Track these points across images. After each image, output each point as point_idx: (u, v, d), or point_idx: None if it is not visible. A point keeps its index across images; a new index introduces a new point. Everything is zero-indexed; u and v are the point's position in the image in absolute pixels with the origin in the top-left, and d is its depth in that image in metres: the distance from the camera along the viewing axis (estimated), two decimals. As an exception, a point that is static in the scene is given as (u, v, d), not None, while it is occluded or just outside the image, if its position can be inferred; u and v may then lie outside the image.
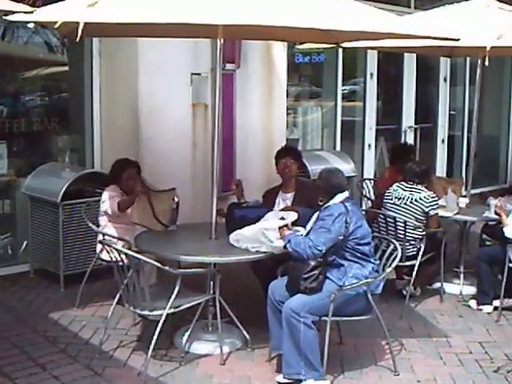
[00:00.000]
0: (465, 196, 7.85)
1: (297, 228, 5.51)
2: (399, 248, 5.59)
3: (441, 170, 12.55)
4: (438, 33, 5.03)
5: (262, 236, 5.38)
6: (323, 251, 5.17)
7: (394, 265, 5.44)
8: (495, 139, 14.54)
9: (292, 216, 5.57)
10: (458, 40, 5.21)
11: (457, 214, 7.44)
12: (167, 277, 5.49)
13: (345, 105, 10.75)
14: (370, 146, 11.04)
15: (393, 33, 4.89)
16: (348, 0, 5.05)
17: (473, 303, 7.14)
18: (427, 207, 7.00)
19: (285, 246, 5.26)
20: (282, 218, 5.55)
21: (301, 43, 7.85)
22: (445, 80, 12.46)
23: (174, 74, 7.78)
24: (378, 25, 4.80)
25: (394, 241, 5.76)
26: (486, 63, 6.34)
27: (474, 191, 8.24)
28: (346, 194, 5.46)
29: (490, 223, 7.64)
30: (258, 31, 5.71)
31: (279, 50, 8.53)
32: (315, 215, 5.48)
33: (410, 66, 11.58)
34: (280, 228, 5.41)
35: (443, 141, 12.62)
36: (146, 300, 5.24)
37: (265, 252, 5.43)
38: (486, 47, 6.19)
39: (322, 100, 10.90)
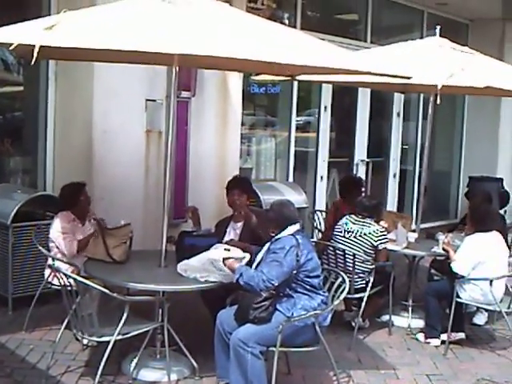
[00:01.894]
0: (414, 231, 7.95)
1: (242, 255, 5.51)
2: (347, 280, 5.64)
3: (392, 204, 12.68)
4: (390, 70, 5.12)
5: (211, 265, 5.38)
6: (276, 284, 5.20)
7: (342, 297, 5.48)
8: (447, 174, 14.76)
9: (237, 253, 5.56)
10: (410, 78, 5.31)
11: (406, 248, 7.53)
12: (116, 303, 5.45)
13: (299, 136, 10.84)
14: (322, 177, 11.12)
15: (346, 69, 4.96)
16: (304, 35, 5.11)
17: (421, 336, 7.22)
18: (376, 241, 7.07)
19: (237, 280, 5.26)
20: (228, 250, 5.56)
21: (256, 74, 7.94)
22: (398, 115, 12.64)
23: (129, 99, 7.77)
24: (332, 60, 4.87)
25: (342, 273, 5.81)
26: (438, 101, 6.47)
27: (424, 226, 8.35)
28: (297, 226, 5.50)
29: (439, 258, 7.75)
30: (213, 61, 5.74)
31: (235, 80, 8.58)
32: (266, 246, 5.50)
33: (364, 100, 11.73)
34: (226, 259, 5.41)
35: (395, 175, 12.77)
36: (95, 326, 5.21)
37: (213, 282, 5.44)
38: (437, 86, 6.32)
39: (276, 130, 10.98)
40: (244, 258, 5.47)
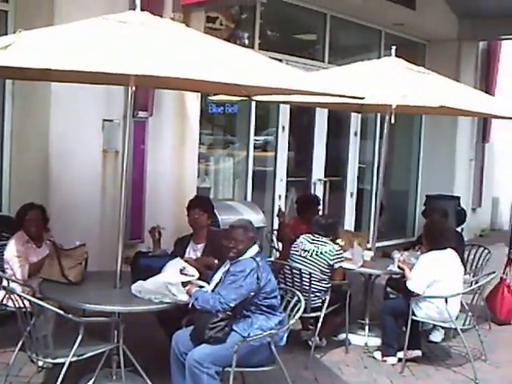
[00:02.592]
0: (370, 249, 8.01)
1: (201, 283, 5.50)
2: (303, 300, 5.66)
3: (349, 222, 12.76)
4: (343, 91, 5.18)
5: (165, 289, 5.37)
6: (233, 306, 5.21)
7: (297, 316, 5.51)
8: (404, 193, 14.92)
9: (193, 272, 5.56)
10: (363, 99, 5.37)
11: (362, 266, 7.59)
12: (71, 325, 5.41)
13: (257, 155, 10.88)
14: (280, 196, 11.16)
15: (301, 90, 5.01)
16: (259, 56, 5.16)
17: (377, 354, 7.26)
18: (332, 260, 7.11)
19: (192, 304, 5.26)
20: (183, 269, 5.55)
21: (214, 94, 7.97)
22: (355, 134, 12.75)
23: (86, 119, 7.75)
24: (286, 82, 4.91)
25: (297, 292, 5.83)
26: (392, 121, 6.55)
27: (382, 244, 8.41)
28: (256, 247, 5.53)
29: (394, 276, 7.82)
30: (170, 81, 5.76)
31: (193, 100, 8.59)
32: (226, 267, 5.51)
33: (322, 120, 11.81)
34: (184, 283, 5.41)
35: (352, 194, 12.86)
36: (49, 348, 5.17)
37: (168, 303, 5.43)
38: (391, 105, 6.40)
39: (234, 150, 11.01)
40: (203, 287, 5.47)
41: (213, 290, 5.42)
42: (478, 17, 13.85)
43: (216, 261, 6.04)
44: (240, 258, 5.43)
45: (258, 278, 5.30)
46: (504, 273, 8.93)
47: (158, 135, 8.36)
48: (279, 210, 8.56)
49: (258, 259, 5.39)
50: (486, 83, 15.29)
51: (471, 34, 14.13)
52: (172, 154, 8.63)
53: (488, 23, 13.83)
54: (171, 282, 5.37)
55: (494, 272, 7.46)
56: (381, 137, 12.77)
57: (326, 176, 12.03)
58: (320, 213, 8.70)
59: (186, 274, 5.49)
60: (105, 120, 7.89)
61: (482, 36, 14.50)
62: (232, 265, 5.42)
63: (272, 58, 10.05)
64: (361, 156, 13.05)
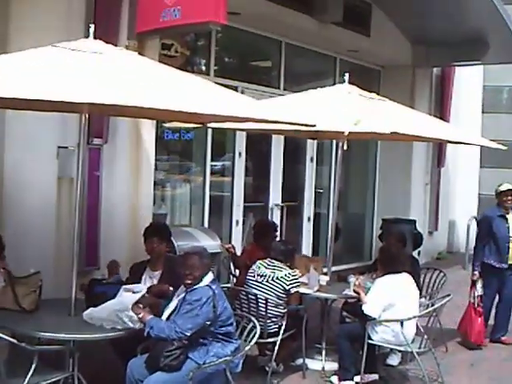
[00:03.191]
0: (326, 273, 8.06)
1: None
2: (258, 326, 5.69)
3: (307, 247, 12.81)
4: (295, 119, 5.24)
5: (116, 317, 5.36)
6: (189, 335, 5.21)
7: (252, 342, 5.53)
8: (361, 217, 15.03)
9: (140, 289, 5.56)
10: (314, 126, 5.44)
11: (318, 291, 7.63)
12: (25, 353, 5.37)
13: (214, 181, 10.89)
14: (237, 222, 11.18)
15: (253, 118, 5.06)
16: (212, 84, 5.20)
17: (335, 379, 7.28)
18: (288, 285, 7.15)
19: (148, 333, 5.25)
20: (133, 291, 5.55)
21: (169, 121, 7.99)
22: (311, 160, 12.84)
23: (41, 146, 7.69)
24: (239, 110, 4.96)
25: (253, 318, 5.85)
26: (345, 147, 6.63)
27: (339, 268, 8.45)
28: (211, 275, 5.54)
29: (350, 301, 7.86)
30: (124, 109, 5.78)
31: (148, 127, 8.59)
32: (181, 295, 5.51)
33: (278, 146, 11.89)
34: (136, 308, 5.39)
35: (309, 218, 12.93)
36: (1, 377, 5.11)
37: (121, 329, 5.42)
38: (344, 132, 6.48)
39: (191, 175, 11.00)
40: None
41: (168, 318, 5.41)
42: (431, 43, 14.07)
43: (171, 288, 6.02)
44: (196, 286, 5.43)
45: (214, 307, 5.31)
46: (470, 295, 9.02)
47: (113, 162, 8.35)
48: (230, 244, 8.62)
49: (213, 287, 5.41)
50: (441, 108, 15.53)
51: (425, 60, 14.32)
52: (127, 180, 8.60)
53: (441, 50, 14.05)
54: (120, 309, 5.36)
55: (449, 295, 7.53)
56: (336, 162, 12.89)
57: (283, 201, 12.09)
58: (277, 238, 8.73)
59: (133, 292, 5.49)
60: (60, 147, 7.85)
61: (436, 62, 14.70)
62: (188, 293, 5.42)
63: (228, 84, 10.37)
64: (317, 181, 13.14)
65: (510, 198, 8.97)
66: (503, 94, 19.39)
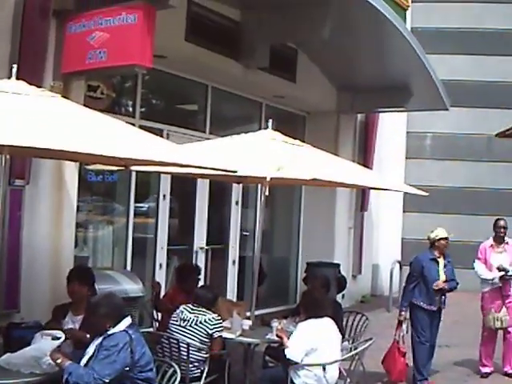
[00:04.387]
0: (249, 318, 8.06)
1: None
2: (178, 371, 5.64)
3: (232, 291, 12.77)
4: (217, 165, 5.29)
5: (34, 361, 5.27)
6: (107, 381, 5.15)
7: (173, 388, 5.48)
8: (286, 260, 15.09)
9: (59, 334, 5.49)
10: (236, 172, 5.48)
11: (240, 335, 7.62)
12: None
13: (137, 223, 10.81)
14: (161, 265, 11.10)
15: (176, 163, 5.08)
16: (134, 128, 5.22)
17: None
18: (211, 329, 7.14)
19: (67, 380, 5.16)
20: (55, 338, 5.47)
21: (92, 163, 7.94)
22: (237, 203, 12.88)
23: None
24: (161, 154, 4.98)
25: (173, 364, 5.81)
26: (267, 193, 6.69)
27: (263, 311, 8.44)
28: (128, 319, 5.48)
29: (273, 345, 7.87)
30: (46, 151, 5.73)
31: (71, 168, 8.52)
32: (98, 340, 5.43)
33: (203, 189, 11.88)
34: (54, 354, 5.31)
35: (234, 262, 12.92)
36: None
37: (40, 374, 5.32)
38: (266, 178, 6.54)
39: (114, 217, 10.90)
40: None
41: (86, 364, 5.34)
42: (356, 90, 14.35)
43: (88, 336, 5.93)
44: (113, 331, 5.37)
45: (132, 352, 5.26)
46: (395, 334, 9.12)
47: (34, 203, 8.24)
48: (153, 281, 8.55)
49: (130, 332, 5.35)
50: (365, 154, 15.79)
51: (350, 106, 14.57)
52: (49, 222, 8.49)
53: (365, 96, 14.35)
54: (38, 356, 5.27)
55: (371, 338, 7.60)
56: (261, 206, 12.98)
57: (208, 244, 12.06)
58: (200, 282, 8.71)
59: (53, 337, 5.41)
60: (-20, 188, 7.73)
61: (360, 109, 14.98)
62: (105, 338, 5.35)
63: (153, 127, 10.39)
64: (243, 224, 13.17)
65: (446, 243, 9.17)
66: (426, 141, 19.86)
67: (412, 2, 14.08)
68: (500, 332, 10.04)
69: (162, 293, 9.33)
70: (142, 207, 11.29)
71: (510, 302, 9.91)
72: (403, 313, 9.17)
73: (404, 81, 13.43)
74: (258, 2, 10.63)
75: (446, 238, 9.19)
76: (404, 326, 9.11)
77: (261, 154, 7.26)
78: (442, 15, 19.49)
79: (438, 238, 9.15)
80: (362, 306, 15.05)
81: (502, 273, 9.74)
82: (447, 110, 14.30)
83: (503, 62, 19.09)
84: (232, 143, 7.71)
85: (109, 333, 5.38)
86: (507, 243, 10.05)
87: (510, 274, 9.76)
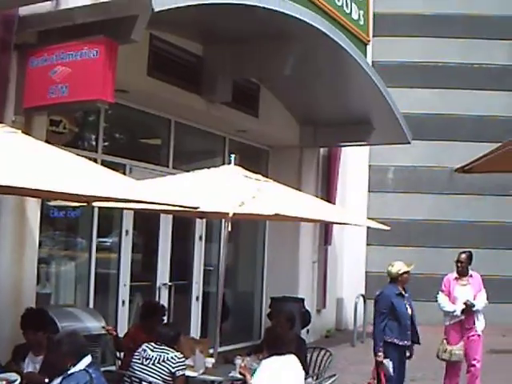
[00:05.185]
0: (212, 355, 7.98)
1: None
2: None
3: (195, 327, 12.66)
4: (179, 201, 5.26)
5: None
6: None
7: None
8: (250, 295, 15.03)
9: (15, 377, 5.40)
10: (197, 208, 5.46)
11: (204, 373, 7.55)
12: None
13: (100, 259, 10.69)
14: (124, 302, 10.98)
15: (137, 200, 5.05)
16: (95, 165, 5.18)
17: None
18: (174, 367, 7.04)
19: None
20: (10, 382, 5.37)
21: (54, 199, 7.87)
22: (200, 238, 12.82)
23: None
24: (122, 191, 4.94)
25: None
26: (229, 229, 6.67)
27: (228, 347, 8.36)
28: (89, 358, 5.40)
29: (236, 383, 7.78)
30: (7, 188, 5.66)
31: (33, 204, 8.43)
32: (58, 380, 5.34)
33: (166, 224, 11.81)
34: None
35: (197, 298, 12.82)
36: None
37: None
38: (228, 214, 6.52)
39: (76, 253, 10.78)
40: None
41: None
42: (319, 124, 14.44)
43: (46, 380, 5.81)
44: (73, 371, 5.28)
45: (92, 392, 5.17)
46: (373, 377, 9.03)
47: (-4, 240, 8.15)
48: (107, 326, 8.47)
49: (91, 371, 5.27)
50: (327, 188, 15.83)
51: (312, 140, 14.64)
52: (11, 259, 8.38)
53: (328, 130, 14.45)
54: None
55: (334, 375, 7.56)
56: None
57: (171, 280, 11.96)
58: (164, 321, 8.60)
59: (8, 382, 5.32)
60: None
61: (323, 143, 15.06)
62: (64, 378, 5.26)
63: (116, 162, 10.34)
64: (207, 259, 13.10)
65: (408, 276, 9.16)
66: (388, 174, 19.98)
67: (373, 36, 14.21)
68: (464, 365, 10.07)
69: (125, 330, 9.24)
70: (105, 242, 11.19)
71: (473, 335, 9.95)
72: (380, 353, 8.95)
73: (366, 115, 13.56)
74: (220, 37, 10.66)
75: (408, 272, 9.18)
76: (386, 365, 8.94)
77: (223, 189, 7.25)
78: (403, 49, 19.74)
79: (401, 272, 9.14)
80: (327, 340, 15.03)
81: (463, 306, 9.79)
82: (409, 143, 14.44)
83: (463, 95, 19.36)
84: (195, 178, 7.69)
85: (69, 372, 5.29)
86: (471, 276, 10.11)
87: (475, 308, 9.82)
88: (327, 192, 15.64)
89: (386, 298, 9.15)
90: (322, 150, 15.74)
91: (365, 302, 15.32)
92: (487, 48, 19.52)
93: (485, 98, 19.33)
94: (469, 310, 9.81)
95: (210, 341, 8.72)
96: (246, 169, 8.00)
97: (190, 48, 10.93)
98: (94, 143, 10.68)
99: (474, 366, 9.97)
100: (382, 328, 9.06)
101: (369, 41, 13.40)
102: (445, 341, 9.92)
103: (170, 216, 11.68)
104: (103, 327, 8.46)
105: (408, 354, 9.22)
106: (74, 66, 7.58)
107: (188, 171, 8.61)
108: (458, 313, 9.88)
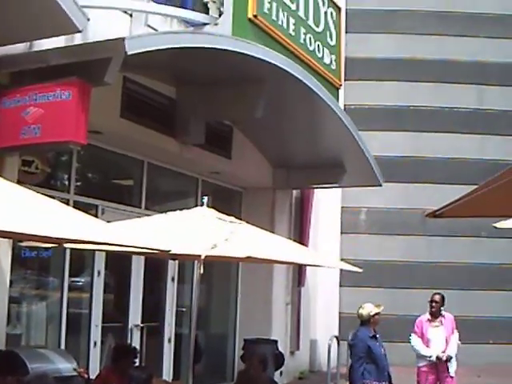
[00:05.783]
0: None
1: None
2: None
3: (168, 369, 12.52)
4: (151, 244, 5.27)
5: None
6: None
7: None
8: (223, 337, 14.96)
9: None
10: (169, 251, 5.48)
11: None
12: None
13: (72, 299, 10.61)
14: (95, 343, 10.88)
15: (108, 242, 5.06)
16: (64, 206, 5.18)
17: None
18: (145, 410, 7.00)
19: None
20: None
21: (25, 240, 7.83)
22: (172, 279, 12.77)
23: None
24: (92, 234, 4.95)
25: None
26: (201, 271, 6.68)
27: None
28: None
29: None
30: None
31: (3, 245, 8.40)
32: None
33: (138, 265, 11.77)
34: None
35: (170, 339, 12.72)
36: None
37: None
38: (200, 256, 6.53)
39: (48, 293, 10.68)
40: None
41: None
42: (291, 166, 14.53)
43: None
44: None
45: None
46: None
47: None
48: (79, 368, 8.41)
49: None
50: (300, 229, 15.89)
51: (285, 182, 14.72)
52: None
53: (300, 172, 14.55)
54: None
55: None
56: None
57: (143, 321, 11.87)
58: (136, 363, 8.54)
59: None
60: None
61: (295, 185, 15.15)
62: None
63: (88, 203, 10.33)
64: (179, 300, 13.04)
65: (379, 318, 9.20)
66: (361, 215, 20.10)
67: (345, 80, 14.40)
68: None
69: (97, 371, 9.15)
70: (77, 282, 11.11)
71: (446, 377, 9.99)
72: None
73: (338, 157, 13.67)
74: (193, 79, 10.75)
75: (379, 313, 9.22)
76: None
77: (196, 231, 7.26)
78: (375, 93, 20.00)
79: (372, 313, 9.17)
80: (301, 382, 15.00)
81: (441, 354, 9.85)
82: (380, 185, 14.56)
83: (434, 138, 19.61)
84: (167, 220, 7.70)
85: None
86: (443, 317, 10.17)
87: (451, 356, 9.91)
88: (300, 233, 15.69)
89: (363, 342, 9.16)
90: (294, 191, 15.83)
91: (338, 343, 15.31)
92: (457, 92, 19.84)
93: (455, 141, 19.62)
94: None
95: (182, 383, 8.65)
96: (218, 210, 8.02)
97: (163, 90, 11.00)
98: (66, 183, 10.66)
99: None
100: (360, 372, 9.05)
101: (340, 85, 13.57)
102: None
103: (142, 257, 11.65)
104: (74, 369, 8.37)
105: None
106: (46, 107, 7.60)
107: (161, 212, 8.62)
108: (434, 358, 9.93)
